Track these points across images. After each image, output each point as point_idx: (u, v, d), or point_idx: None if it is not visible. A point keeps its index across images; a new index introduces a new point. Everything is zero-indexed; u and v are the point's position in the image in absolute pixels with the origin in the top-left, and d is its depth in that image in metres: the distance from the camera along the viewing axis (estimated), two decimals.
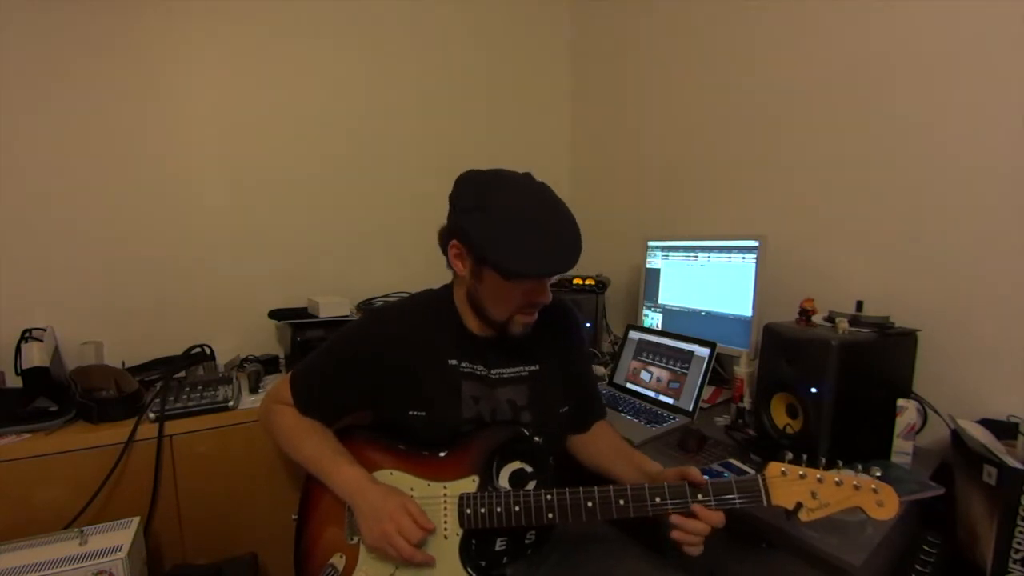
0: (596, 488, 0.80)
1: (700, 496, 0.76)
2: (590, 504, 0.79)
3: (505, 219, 0.81)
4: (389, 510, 0.82)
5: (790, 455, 0.76)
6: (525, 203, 0.83)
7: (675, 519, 0.76)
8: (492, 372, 0.94)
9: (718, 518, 0.75)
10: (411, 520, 0.81)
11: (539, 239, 0.81)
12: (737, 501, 0.74)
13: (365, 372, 0.93)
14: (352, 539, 0.89)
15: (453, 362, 0.93)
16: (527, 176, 0.88)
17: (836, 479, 0.71)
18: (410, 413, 0.91)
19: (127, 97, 1.45)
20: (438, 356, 0.92)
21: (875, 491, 0.69)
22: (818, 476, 0.72)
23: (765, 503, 0.73)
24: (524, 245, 0.80)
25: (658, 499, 0.77)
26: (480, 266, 0.85)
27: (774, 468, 0.74)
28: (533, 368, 0.97)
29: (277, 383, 1.01)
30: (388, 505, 0.82)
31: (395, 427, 0.93)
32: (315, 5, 1.67)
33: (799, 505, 0.71)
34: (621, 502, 0.78)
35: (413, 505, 0.83)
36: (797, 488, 0.72)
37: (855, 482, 0.70)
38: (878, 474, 0.71)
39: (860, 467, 0.72)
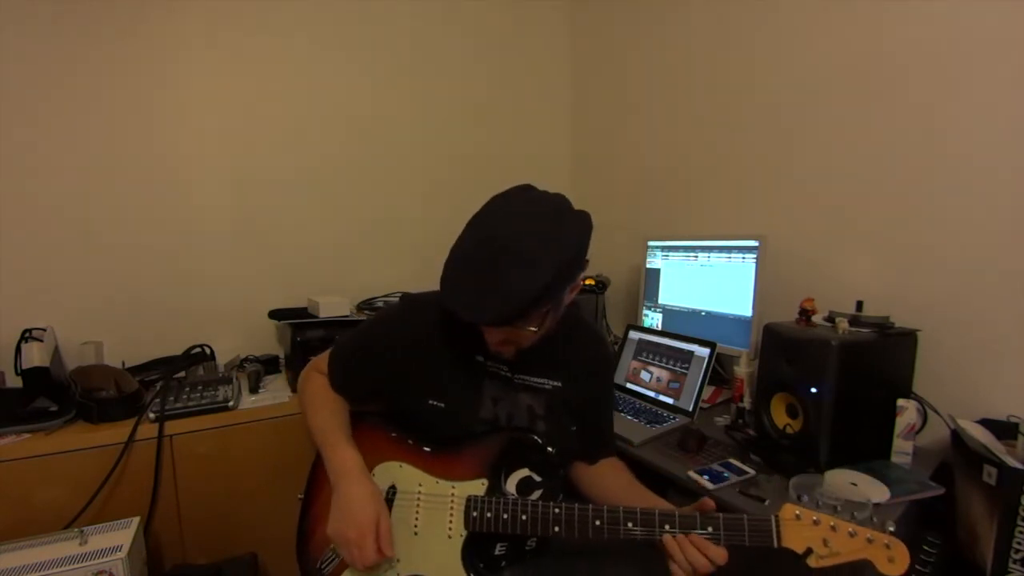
0: (605, 507, 0.79)
1: (711, 530, 0.74)
2: (598, 523, 0.78)
3: (456, 257, 0.79)
4: (360, 518, 0.80)
5: (805, 498, 0.75)
6: (481, 236, 0.77)
7: (672, 545, 0.74)
8: (516, 376, 0.94)
9: (719, 554, 0.73)
10: (374, 541, 0.79)
11: (475, 284, 0.75)
12: (747, 539, 0.73)
13: (393, 356, 0.94)
14: None
15: (480, 358, 0.93)
16: (537, 201, 0.81)
17: (850, 530, 0.71)
18: (429, 403, 0.91)
19: (127, 97, 1.45)
20: (466, 349, 0.93)
21: (887, 547, 0.69)
22: (832, 524, 0.71)
23: (775, 544, 0.72)
24: (458, 286, 0.77)
25: (667, 526, 0.76)
26: None
27: (788, 511, 0.73)
28: (556, 384, 0.96)
29: (324, 353, 1.03)
30: (364, 512, 0.80)
31: (412, 417, 0.94)
32: (316, 6, 1.67)
33: (809, 551, 0.71)
34: (630, 524, 0.77)
35: (385, 524, 0.81)
36: (809, 533, 0.71)
37: (869, 536, 0.70)
38: (891, 529, 0.71)
39: (875, 519, 0.72)
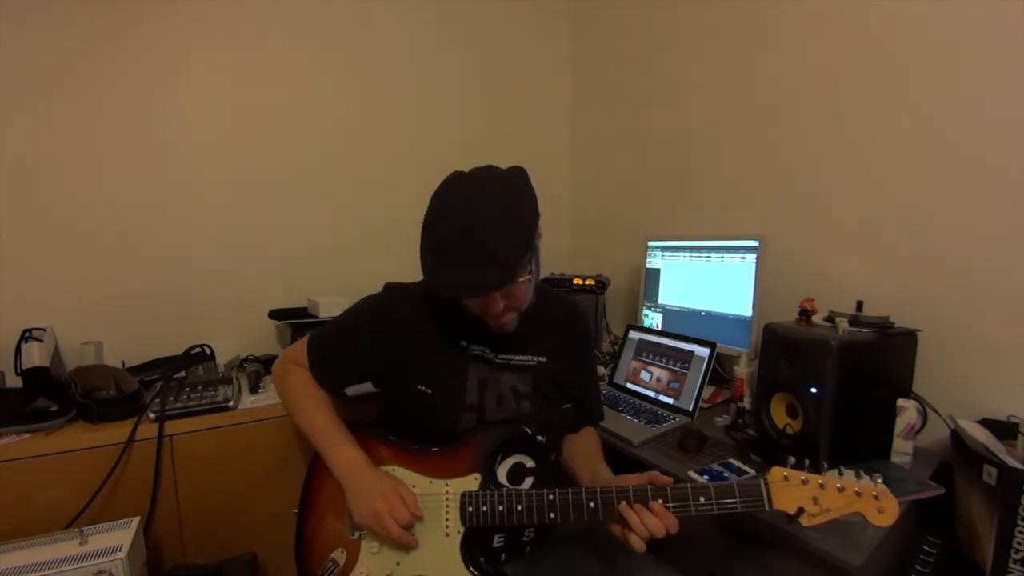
0: (599, 489, 0.80)
1: (702, 500, 0.76)
2: (592, 505, 0.80)
3: (429, 238, 0.82)
4: (383, 490, 0.83)
5: (792, 460, 0.76)
6: (449, 220, 0.80)
7: (628, 513, 0.77)
8: (499, 357, 0.95)
9: (672, 523, 0.76)
10: (402, 502, 0.83)
11: (455, 259, 0.79)
12: (739, 505, 0.75)
13: (379, 343, 0.95)
14: (353, 534, 0.89)
15: (463, 343, 0.94)
16: (479, 176, 0.85)
17: (838, 485, 0.72)
18: (417, 387, 0.92)
19: (127, 97, 1.45)
20: (450, 335, 0.94)
21: (876, 498, 0.70)
22: (820, 482, 0.72)
23: (767, 507, 0.73)
24: (440, 265, 0.80)
25: (660, 501, 0.77)
26: None
27: (776, 473, 0.74)
28: (540, 360, 0.98)
29: (296, 344, 1.04)
30: (382, 487, 0.84)
31: (398, 403, 0.95)
32: (315, 6, 1.67)
33: (800, 510, 0.72)
34: (624, 504, 0.78)
35: (406, 491, 0.85)
36: (799, 493, 0.73)
37: (857, 488, 0.71)
38: (880, 480, 0.71)
39: (862, 473, 0.73)
